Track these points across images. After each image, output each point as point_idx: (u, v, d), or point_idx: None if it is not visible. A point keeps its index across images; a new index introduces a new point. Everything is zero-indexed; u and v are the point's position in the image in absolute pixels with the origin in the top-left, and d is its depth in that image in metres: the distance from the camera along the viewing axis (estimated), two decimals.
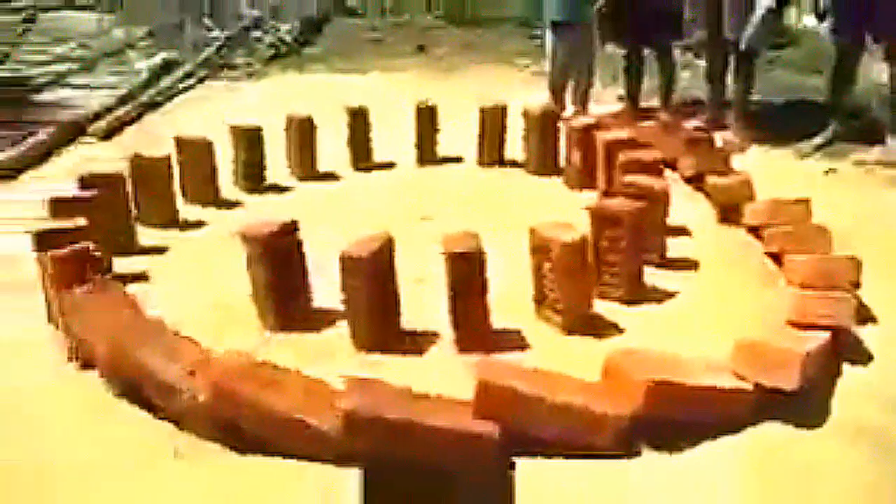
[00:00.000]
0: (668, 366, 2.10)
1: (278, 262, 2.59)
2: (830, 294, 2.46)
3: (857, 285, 2.60)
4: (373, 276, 2.43)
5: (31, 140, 4.56)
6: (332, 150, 4.29)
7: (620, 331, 2.62)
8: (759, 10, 4.11)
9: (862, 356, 2.42)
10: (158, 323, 2.28)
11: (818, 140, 4.24)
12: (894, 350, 2.44)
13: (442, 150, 4.41)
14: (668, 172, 3.73)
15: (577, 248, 2.51)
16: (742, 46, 4.26)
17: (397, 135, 4.43)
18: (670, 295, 2.84)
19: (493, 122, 4.18)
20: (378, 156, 4.39)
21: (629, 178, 3.03)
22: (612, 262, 2.77)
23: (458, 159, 4.36)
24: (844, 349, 2.38)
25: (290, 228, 2.62)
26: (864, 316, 2.58)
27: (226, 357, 2.13)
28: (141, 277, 3.04)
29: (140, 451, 2.05)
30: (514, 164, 4.26)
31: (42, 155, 4.53)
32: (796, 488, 1.90)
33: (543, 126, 4.00)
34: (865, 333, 2.51)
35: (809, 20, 4.42)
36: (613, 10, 4.73)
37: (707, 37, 4.64)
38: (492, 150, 4.22)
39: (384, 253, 2.48)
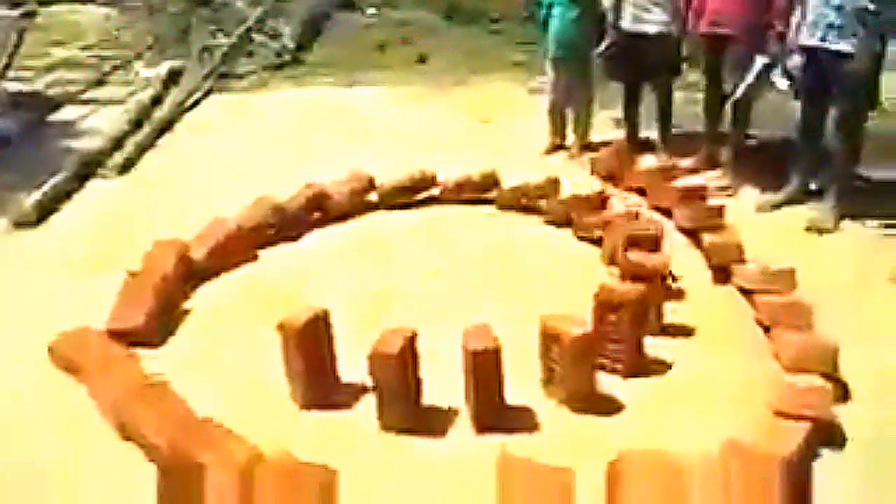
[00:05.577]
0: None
1: (312, 348, 2.84)
2: (813, 383, 2.74)
3: (835, 369, 2.88)
4: (399, 369, 2.68)
5: (51, 182, 4.73)
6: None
7: (622, 408, 2.90)
8: (756, 66, 4.26)
9: (837, 439, 2.70)
10: (209, 421, 2.52)
11: (779, 197, 4.38)
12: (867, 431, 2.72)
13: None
14: (664, 220, 4.03)
15: (584, 340, 2.76)
16: (736, 97, 4.43)
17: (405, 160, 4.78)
18: (668, 367, 3.10)
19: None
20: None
21: (632, 255, 3.26)
22: (614, 340, 3.02)
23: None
24: (823, 438, 2.65)
25: (323, 317, 2.86)
26: (839, 395, 2.84)
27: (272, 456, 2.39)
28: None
29: None
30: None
31: (62, 196, 4.71)
32: None
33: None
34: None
35: (781, 81, 4.37)
36: (616, 53, 4.90)
37: (705, 79, 4.82)
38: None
39: (409, 347, 2.73)
